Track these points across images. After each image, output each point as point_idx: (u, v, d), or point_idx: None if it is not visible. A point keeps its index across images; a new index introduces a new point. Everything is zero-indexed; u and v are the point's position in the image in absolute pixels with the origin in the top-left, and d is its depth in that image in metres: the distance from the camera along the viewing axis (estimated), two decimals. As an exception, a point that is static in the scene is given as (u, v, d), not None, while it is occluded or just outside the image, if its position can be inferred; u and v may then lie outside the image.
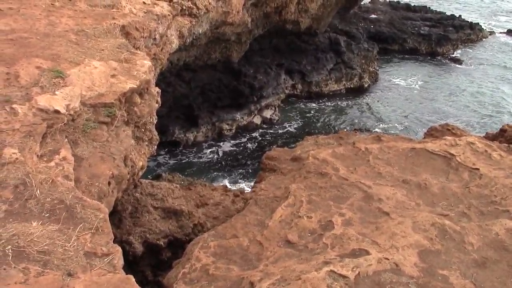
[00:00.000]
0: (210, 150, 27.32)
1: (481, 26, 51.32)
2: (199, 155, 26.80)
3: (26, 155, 5.70)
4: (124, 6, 11.69)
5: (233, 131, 28.96)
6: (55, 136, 6.42)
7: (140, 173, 8.79)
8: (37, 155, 5.93)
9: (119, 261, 4.71)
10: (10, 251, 4.36)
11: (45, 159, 5.99)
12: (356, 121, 31.77)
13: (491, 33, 52.21)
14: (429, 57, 44.17)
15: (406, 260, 6.11)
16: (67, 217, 5.00)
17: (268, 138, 28.92)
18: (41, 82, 7.24)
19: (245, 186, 22.49)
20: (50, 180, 5.44)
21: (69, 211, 5.08)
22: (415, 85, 38.03)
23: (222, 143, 28.03)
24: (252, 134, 29.15)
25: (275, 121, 30.70)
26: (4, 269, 4.16)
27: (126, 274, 4.58)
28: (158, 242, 10.30)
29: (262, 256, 6.55)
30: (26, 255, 4.38)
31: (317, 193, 7.81)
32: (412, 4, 53.16)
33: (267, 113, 30.81)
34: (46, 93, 6.95)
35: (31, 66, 7.62)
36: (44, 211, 5.01)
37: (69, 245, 4.62)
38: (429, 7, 53.46)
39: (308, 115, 31.95)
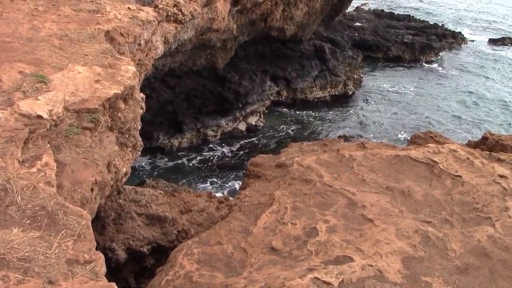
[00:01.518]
0: (195, 156, 27.22)
1: (463, 35, 52.12)
2: (184, 161, 26.70)
3: (7, 161, 5.62)
4: (108, 12, 11.63)
5: (218, 137, 28.95)
6: (37, 142, 6.34)
7: (124, 179, 8.72)
8: (19, 161, 5.85)
9: (102, 268, 4.66)
10: (-11, 258, 4.29)
11: (26, 164, 5.92)
12: (341, 128, 31.97)
13: (473, 42, 53.01)
14: (412, 65, 44.71)
15: (390, 267, 6.13)
16: (48, 223, 4.93)
17: (252, 145, 28.93)
18: (24, 87, 7.15)
19: (230, 193, 22.45)
20: (32, 186, 5.37)
21: (51, 217, 5.01)
22: (398, 93, 38.43)
23: (206, 149, 27.97)
24: (237, 141, 29.14)
25: (260, 127, 30.75)
26: (-16, 276, 4.09)
27: (109, 281, 4.53)
28: (141, 249, 10.22)
29: (246, 263, 6.52)
30: (6, 262, 4.31)
31: (301, 200, 7.81)
32: (396, 13, 53.79)
33: (252, 120, 30.86)
34: (28, 98, 6.87)
35: (13, 71, 7.53)
36: (25, 218, 4.94)
37: (50, 252, 4.56)
38: (413, 16, 54.13)
39: (292, 121, 32.06)
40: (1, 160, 5.56)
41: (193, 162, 26.74)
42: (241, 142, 29.06)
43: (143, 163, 25.61)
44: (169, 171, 25.47)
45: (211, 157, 27.33)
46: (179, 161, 26.59)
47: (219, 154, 27.71)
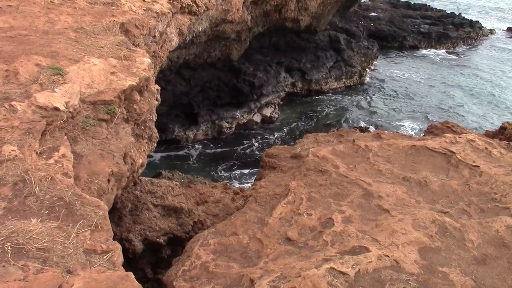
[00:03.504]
0: (210, 147, 27.31)
1: (481, 24, 51.30)
2: (200, 152, 26.79)
3: (25, 152, 5.68)
4: (123, 4, 11.67)
5: (233, 129, 28.96)
6: (54, 134, 6.40)
7: (140, 171, 8.77)
8: (36, 152, 5.91)
9: (119, 258, 4.70)
10: (9, 248, 4.35)
11: (44, 156, 5.98)
12: (356, 118, 31.78)
13: (491, 31, 52.19)
14: (429, 55, 44.18)
15: (406, 257, 6.09)
16: (66, 214, 4.98)
17: (268, 136, 28.91)
18: (40, 79, 7.22)
19: (246, 184, 22.49)
20: (50, 177, 5.43)
21: (68, 208, 5.06)
22: (414, 83, 38.03)
23: (221, 141, 28.04)
24: (252, 132, 29.15)
25: (275, 119, 30.69)
26: (3, 266, 4.15)
27: (126, 271, 4.57)
28: (158, 239, 10.29)
29: (262, 254, 6.53)
30: (25, 252, 4.37)
31: (317, 191, 7.79)
32: (412, 2, 53.15)
33: (267, 111, 30.80)
34: (45, 90, 6.93)
35: (30, 63, 7.60)
36: (44, 208, 4.99)
37: (68, 242, 4.61)
38: (429, 5, 53.45)
39: (308, 113, 31.94)
40: (19, 152, 5.62)
41: (208, 153, 26.83)
42: (256, 134, 29.07)
43: (193, 152, 26.24)
44: (183, 162, 25.59)
45: (225, 149, 27.39)
46: (194, 153, 26.70)
47: (233, 145, 27.74)
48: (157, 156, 25.38)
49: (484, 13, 60.38)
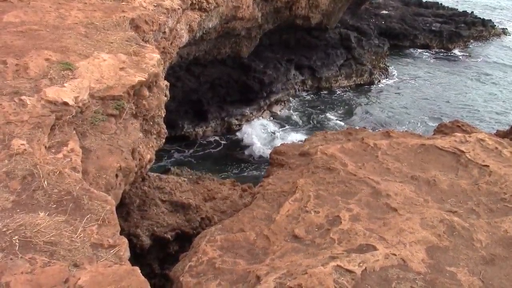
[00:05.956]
0: (218, 144, 27.34)
1: (493, 22, 50.79)
2: (207, 149, 26.83)
3: (34, 147, 5.72)
4: (134, 0, 11.70)
5: (242, 126, 28.95)
6: (63, 128, 6.44)
7: (148, 166, 8.79)
8: (45, 147, 5.95)
9: (125, 252, 4.72)
10: (17, 241, 4.39)
11: (53, 150, 6.01)
12: (365, 117, 31.64)
13: (504, 30, 51.70)
14: (440, 54, 43.84)
15: (414, 256, 6.06)
16: (74, 208, 5.01)
17: (276, 133, 28.88)
18: (50, 74, 7.26)
19: (254, 180, 22.45)
20: (58, 172, 5.46)
21: (76, 202, 5.09)
22: (425, 82, 37.78)
23: (230, 137, 28.05)
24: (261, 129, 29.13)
25: (284, 116, 30.65)
26: (11, 259, 4.18)
27: (133, 266, 4.59)
28: (165, 235, 10.33)
29: (269, 251, 6.53)
30: (33, 245, 4.40)
31: (324, 188, 7.77)
32: (424, 0, 52.73)
33: (277, 109, 30.76)
34: (54, 85, 6.97)
35: (40, 58, 7.64)
36: (52, 202, 5.03)
37: (75, 236, 4.64)
38: (441, 4, 53.00)
39: (317, 110, 31.84)
40: (29, 146, 5.66)
41: (216, 150, 26.89)
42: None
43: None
44: (191, 159, 25.64)
45: (234, 145, 27.40)
46: (202, 150, 26.72)
47: (241, 142, 27.75)
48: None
49: (497, 12, 59.79)
